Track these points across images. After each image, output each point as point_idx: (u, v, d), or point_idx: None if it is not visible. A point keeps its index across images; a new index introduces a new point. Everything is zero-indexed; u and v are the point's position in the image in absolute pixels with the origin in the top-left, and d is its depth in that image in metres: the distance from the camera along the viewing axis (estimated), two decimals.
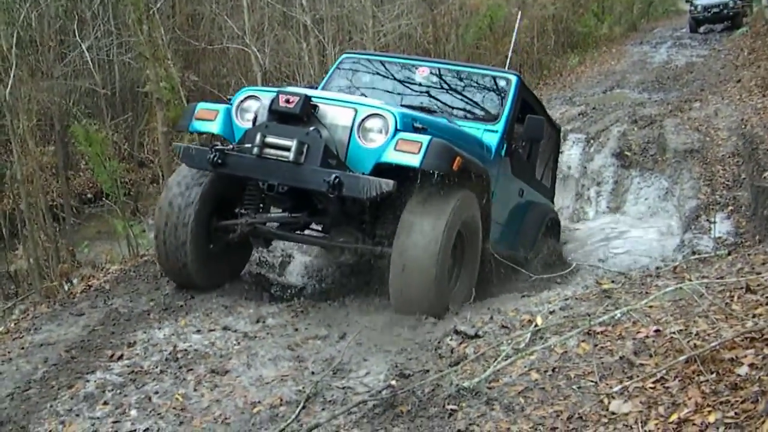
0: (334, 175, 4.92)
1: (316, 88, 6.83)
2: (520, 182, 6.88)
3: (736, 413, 3.11)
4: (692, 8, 27.12)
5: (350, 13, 17.33)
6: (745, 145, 10.89)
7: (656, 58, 22.77)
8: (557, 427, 3.46)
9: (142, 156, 16.20)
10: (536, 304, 5.08)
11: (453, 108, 6.57)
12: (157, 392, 4.27)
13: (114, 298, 6.15)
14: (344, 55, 7.22)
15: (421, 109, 6.29)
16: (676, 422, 3.22)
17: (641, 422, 3.31)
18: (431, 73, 6.79)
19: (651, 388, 3.55)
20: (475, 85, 6.73)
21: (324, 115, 5.23)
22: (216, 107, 5.63)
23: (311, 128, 5.11)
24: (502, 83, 6.59)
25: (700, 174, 10.55)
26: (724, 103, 14.17)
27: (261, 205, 5.86)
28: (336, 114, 5.25)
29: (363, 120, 5.19)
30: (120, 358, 4.77)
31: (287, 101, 5.10)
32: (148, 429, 3.88)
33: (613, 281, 5.36)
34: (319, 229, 6.21)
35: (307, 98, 5.16)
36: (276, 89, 5.44)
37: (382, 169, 5.11)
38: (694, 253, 7.88)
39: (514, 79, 6.61)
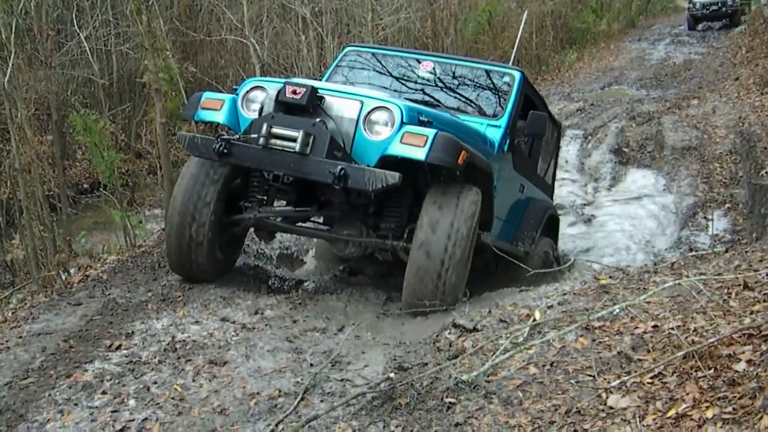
0: (339, 167, 4.90)
1: (320, 80, 6.82)
2: (521, 177, 6.88)
3: (733, 409, 3.12)
4: (691, 5, 27.13)
5: (349, 6, 17.30)
6: (742, 143, 10.92)
7: (654, 55, 22.79)
8: (555, 421, 3.47)
9: (140, 147, 16.14)
10: (534, 298, 5.09)
11: (456, 103, 6.56)
12: (155, 382, 4.27)
13: (112, 289, 6.15)
14: (348, 48, 7.20)
15: (425, 103, 6.27)
16: (674, 417, 3.24)
17: (639, 417, 3.33)
18: (435, 67, 6.78)
19: (649, 383, 3.56)
20: (479, 80, 6.72)
21: (330, 107, 5.22)
22: (222, 97, 5.60)
23: (317, 119, 5.10)
24: (505, 79, 6.60)
25: (697, 171, 10.58)
26: (722, 100, 14.20)
27: (265, 198, 5.86)
28: (342, 106, 5.24)
29: (369, 112, 5.19)
30: (118, 348, 4.77)
31: (294, 92, 5.08)
32: (146, 419, 3.89)
33: (611, 277, 5.37)
34: (322, 221, 6.19)
35: (314, 89, 5.14)
36: (283, 80, 5.43)
37: (388, 162, 5.10)
38: (691, 249, 7.92)
39: (517, 75, 6.61)
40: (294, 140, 5.02)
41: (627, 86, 18.40)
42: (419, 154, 4.92)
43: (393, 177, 4.91)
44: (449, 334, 4.71)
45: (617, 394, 3.53)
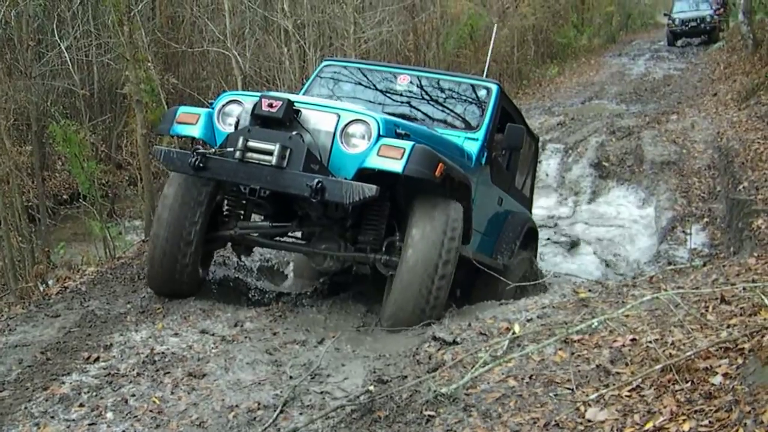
0: (316, 180, 4.89)
1: (299, 94, 6.82)
2: (499, 190, 6.91)
3: (710, 422, 3.15)
4: (670, 22, 27.41)
5: (331, 19, 17.33)
6: (720, 158, 11.03)
7: (634, 70, 23.00)
8: None
9: (120, 158, 16.03)
10: (514, 311, 5.11)
11: (434, 116, 6.59)
12: (133, 395, 4.24)
13: (90, 300, 6.11)
14: (325, 62, 7.21)
15: (402, 116, 6.30)
16: (652, 430, 3.26)
17: (617, 430, 3.34)
18: (411, 80, 6.80)
19: (627, 396, 3.58)
20: (456, 93, 6.74)
21: (307, 120, 5.21)
22: (197, 111, 5.58)
23: (294, 132, 5.08)
24: (482, 92, 6.60)
25: (676, 186, 10.67)
26: (701, 116, 14.34)
27: (242, 213, 5.86)
28: (319, 119, 5.23)
29: (346, 125, 5.18)
30: (96, 360, 4.73)
31: (270, 105, 5.07)
32: (124, 431, 3.86)
33: (590, 290, 5.41)
34: (299, 236, 6.19)
35: (290, 103, 5.14)
36: (258, 93, 5.42)
37: (366, 175, 5.10)
38: (670, 263, 7.98)
39: (494, 87, 6.62)
40: (270, 153, 5.00)
41: (607, 101, 18.55)
42: (396, 166, 4.93)
43: (370, 190, 4.90)
44: (429, 347, 4.72)
45: (595, 407, 3.54)
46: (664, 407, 3.36)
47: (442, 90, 6.78)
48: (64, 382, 4.41)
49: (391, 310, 5.34)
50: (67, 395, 4.24)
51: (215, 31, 14.55)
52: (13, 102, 13.27)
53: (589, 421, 3.47)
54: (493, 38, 9.11)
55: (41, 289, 7.87)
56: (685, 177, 10.88)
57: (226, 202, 5.89)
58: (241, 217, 5.83)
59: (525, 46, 23.73)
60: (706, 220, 9.44)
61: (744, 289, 4.53)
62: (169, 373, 4.52)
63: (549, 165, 12.00)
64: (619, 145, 12.46)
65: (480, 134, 6.29)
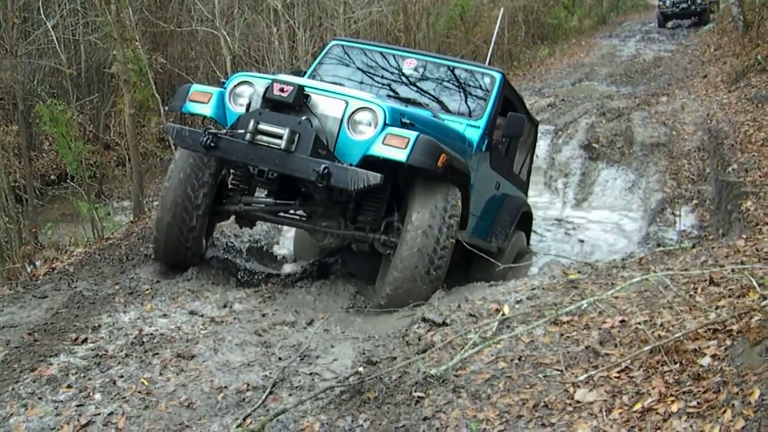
0: (323, 166, 5.02)
1: (302, 74, 6.83)
2: (497, 175, 6.98)
3: (698, 403, 3.16)
4: (661, 3, 27.40)
5: None
6: (710, 140, 11.04)
7: (625, 52, 22.98)
8: (523, 415, 3.49)
9: (108, 138, 15.95)
10: (504, 293, 5.11)
11: (438, 101, 6.67)
12: (122, 376, 4.22)
13: (78, 281, 6.08)
14: (333, 42, 7.23)
15: (407, 101, 6.41)
16: (640, 411, 3.27)
17: (605, 411, 3.35)
18: (418, 65, 6.87)
19: (616, 377, 3.60)
20: (460, 79, 6.82)
21: (316, 105, 5.33)
22: (210, 90, 5.68)
23: (303, 117, 5.19)
24: (486, 80, 6.71)
25: (666, 167, 10.67)
26: (691, 97, 14.35)
27: (247, 188, 6.01)
28: (327, 105, 5.35)
29: (353, 112, 5.30)
30: (84, 341, 4.71)
31: (281, 90, 5.19)
32: (112, 413, 3.84)
33: (579, 272, 5.41)
34: (301, 212, 6.24)
35: (301, 88, 5.24)
36: (270, 77, 5.52)
37: (369, 161, 5.21)
38: (659, 245, 7.99)
39: (498, 76, 6.72)
40: (280, 137, 5.12)
41: (597, 82, 18.54)
42: (400, 155, 5.07)
43: (375, 178, 5.05)
44: (418, 328, 4.72)
45: (584, 389, 3.56)
46: (653, 388, 3.38)
47: (447, 76, 6.85)
48: (51, 364, 4.39)
49: (388, 290, 5.43)
50: (55, 376, 4.22)
51: (204, 11, 14.43)
52: None
53: (578, 402, 3.48)
54: (497, 25, 9.27)
55: (28, 270, 7.84)
56: (674, 159, 10.88)
57: (231, 176, 6.01)
58: (246, 192, 5.99)
59: (516, 27, 23.65)
60: (695, 201, 9.45)
61: (733, 270, 4.55)
62: (157, 354, 4.50)
63: (539, 146, 11.92)
64: (609, 127, 12.44)
65: (482, 122, 6.41)
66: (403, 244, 5.35)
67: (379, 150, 5.16)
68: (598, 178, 11.08)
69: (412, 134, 5.11)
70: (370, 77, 6.87)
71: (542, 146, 12.01)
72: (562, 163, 11.53)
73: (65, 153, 9.96)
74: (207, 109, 5.60)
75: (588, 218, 10.02)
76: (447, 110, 6.54)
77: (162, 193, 5.82)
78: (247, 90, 5.50)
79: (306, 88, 5.34)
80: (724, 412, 3.01)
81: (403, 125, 5.31)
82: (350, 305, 5.83)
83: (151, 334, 4.80)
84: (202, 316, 5.17)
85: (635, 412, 3.28)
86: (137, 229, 8.16)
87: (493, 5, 22.17)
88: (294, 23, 15.55)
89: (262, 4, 16.37)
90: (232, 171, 6.00)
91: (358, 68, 6.96)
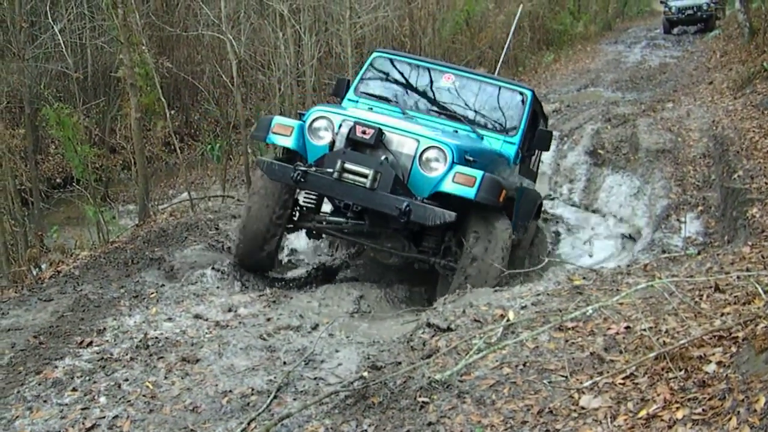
0: (405, 203, 5.61)
1: (347, 83, 7.27)
2: (521, 178, 7.53)
3: (703, 410, 3.15)
4: (666, 9, 27.35)
5: (327, 4, 17.22)
6: (715, 147, 11.01)
7: (630, 58, 22.95)
8: (528, 421, 3.49)
9: (114, 142, 15.95)
10: (508, 298, 5.10)
11: (475, 117, 7.13)
12: (126, 379, 4.23)
13: (83, 284, 6.10)
14: (375, 54, 7.64)
15: (447, 115, 7.02)
16: (645, 418, 3.26)
17: (610, 417, 3.35)
18: (455, 80, 7.31)
19: (620, 383, 3.59)
20: (494, 96, 7.28)
21: (391, 142, 5.90)
22: (290, 123, 6.18)
23: (384, 158, 5.77)
24: (517, 97, 7.22)
25: (671, 174, 10.64)
26: (696, 104, 14.32)
27: (316, 205, 6.68)
28: (401, 143, 5.91)
29: (424, 150, 5.85)
30: (89, 344, 4.72)
31: (363, 132, 5.78)
32: (117, 416, 3.85)
33: (584, 278, 5.40)
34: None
35: (380, 131, 5.81)
36: (344, 113, 6.12)
37: (437, 194, 5.81)
38: (664, 251, 7.98)
39: (528, 94, 7.23)
40: (365, 176, 5.68)
41: (603, 88, 18.51)
42: (469, 193, 5.71)
43: (450, 216, 5.65)
44: (423, 333, 4.72)
45: (589, 395, 3.55)
46: (658, 395, 3.37)
47: (482, 92, 7.29)
48: (57, 367, 4.40)
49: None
50: (60, 379, 4.23)
51: (210, 15, 14.42)
52: (6, 84, 13.20)
53: (583, 408, 3.47)
54: (516, 17, 9.70)
55: (34, 273, 7.85)
56: (680, 165, 10.85)
57: (303, 197, 6.67)
58: (315, 209, 6.61)
59: (521, 33, 23.63)
60: (700, 208, 9.42)
61: (738, 277, 4.54)
62: (162, 357, 4.51)
63: (544, 153, 11.95)
64: (615, 133, 12.42)
65: (516, 139, 7.02)
66: (461, 269, 5.89)
67: (449, 187, 5.74)
68: (603, 184, 11.05)
69: (478, 173, 5.71)
70: (411, 89, 7.33)
71: (547, 152, 11.99)
72: (567, 169, 11.51)
73: (71, 156, 9.97)
74: (289, 142, 6.11)
75: (592, 224, 10.00)
76: (484, 126, 7.04)
77: (248, 204, 6.34)
78: (323, 123, 6.03)
79: (384, 128, 5.86)
80: (730, 419, 3.00)
81: (467, 162, 5.85)
82: (355, 310, 5.84)
83: (156, 337, 4.81)
84: (207, 320, 5.18)
85: (640, 418, 3.27)
86: (142, 233, 8.17)
87: (498, 11, 22.17)
88: (300, 28, 15.56)
89: (268, 9, 16.37)
90: (305, 194, 6.63)
91: (400, 80, 7.40)
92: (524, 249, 7.82)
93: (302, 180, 5.76)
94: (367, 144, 5.81)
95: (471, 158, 5.95)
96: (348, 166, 5.72)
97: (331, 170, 5.73)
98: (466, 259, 5.95)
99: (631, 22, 34.33)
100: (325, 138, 6.00)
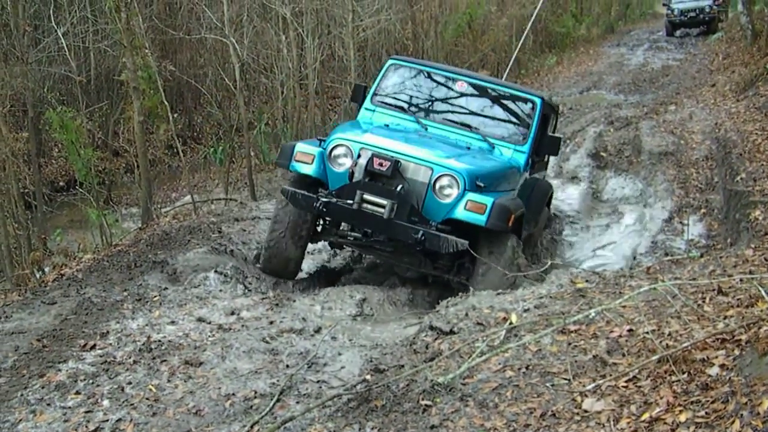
0: (421, 233, 5.99)
1: (365, 89, 7.47)
2: (533, 177, 7.74)
3: (706, 413, 3.15)
4: (669, 12, 27.32)
5: (330, 7, 17.22)
6: (718, 149, 11.00)
7: (633, 61, 22.94)
8: (530, 424, 3.49)
9: (117, 145, 15.95)
10: (511, 301, 5.11)
11: (486, 125, 7.31)
12: (130, 383, 4.24)
13: (87, 288, 6.11)
14: (390, 61, 7.82)
15: (461, 124, 7.25)
16: (648, 421, 3.26)
17: (613, 420, 3.35)
18: (468, 87, 7.51)
19: (623, 386, 3.59)
20: (505, 103, 7.51)
21: (406, 170, 6.21)
22: (311, 151, 6.45)
23: (400, 188, 6.09)
24: (528, 104, 7.41)
25: (674, 176, 10.64)
26: (699, 106, 14.31)
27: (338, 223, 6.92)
28: (416, 170, 6.23)
29: (438, 178, 6.17)
30: (93, 347, 4.73)
31: (380, 164, 6.10)
32: (120, 419, 3.86)
33: (587, 281, 5.40)
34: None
35: (397, 162, 6.13)
36: (362, 139, 6.39)
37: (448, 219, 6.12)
38: (667, 254, 7.98)
39: (538, 101, 7.38)
40: (382, 207, 6.04)
41: (605, 91, 18.51)
42: (480, 220, 6.04)
43: (462, 244, 5.98)
44: (426, 336, 4.72)
45: (592, 398, 3.55)
46: (661, 398, 3.37)
47: (494, 98, 7.52)
48: (60, 370, 4.41)
49: None
50: (64, 383, 4.24)
51: (213, 18, 14.43)
52: (10, 88, 13.19)
53: (586, 411, 3.48)
54: (537, 9, 9.70)
55: (38, 276, 7.86)
56: (682, 168, 10.85)
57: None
58: (338, 225, 6.82)
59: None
60: (703, 211, 9.42)
61: (741, 280, 4.54)
62: (165, 361, 4.52)
63: None
64: (617, 136, 12.43)
65: (526, 147, 7.24)
66: (473, 285, 6.12)
67: (462, 214, 6.08)
68: (606, 187, 11.05)
69: (489, 200, 6.03)
70: (425, 95, 7.55)
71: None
72: (569, 172, 11.50)
73: (74, 160, 9.99)
74: (310, 169, 6.42)
75: (594, 226, 9.99)
76: (495, 134, 7.21)
77: (278, 217, 6.62)
78: (342, 150, 6.32)
79: (400, 157, 6.17)
80: (733, 422, 3.00)
81: (478, 187, 6.14)
82: (357, 313, 5.85)
83: (159, 340, 4.82)
84: (209, 323, 5.18)
85: (643, 421, 3.27)
86: (145, 236, 8.18)
87: (501, 14, 22.18)
88: (302, 31, 15.56)
89: (271, 12, 16.38)
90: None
91: (414, 86, 7.62)
92: (536, 237, 8.31)
93: (324, 210, 6.17)
94: (385, 175, 6.13)
95: (482, 184, 6.22)
96: (367, 197, 6.08)
97: (351, 201, 6.09)
98: (477, 275, 6.27)
99: (633, 25, 34.32)
100: (345, 164, 6.31)
